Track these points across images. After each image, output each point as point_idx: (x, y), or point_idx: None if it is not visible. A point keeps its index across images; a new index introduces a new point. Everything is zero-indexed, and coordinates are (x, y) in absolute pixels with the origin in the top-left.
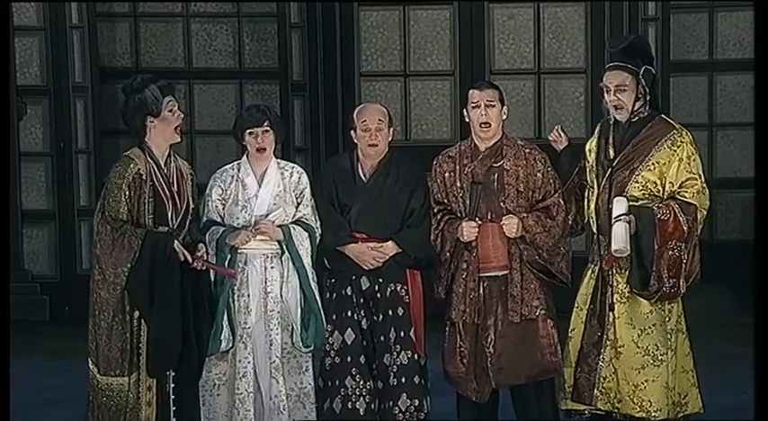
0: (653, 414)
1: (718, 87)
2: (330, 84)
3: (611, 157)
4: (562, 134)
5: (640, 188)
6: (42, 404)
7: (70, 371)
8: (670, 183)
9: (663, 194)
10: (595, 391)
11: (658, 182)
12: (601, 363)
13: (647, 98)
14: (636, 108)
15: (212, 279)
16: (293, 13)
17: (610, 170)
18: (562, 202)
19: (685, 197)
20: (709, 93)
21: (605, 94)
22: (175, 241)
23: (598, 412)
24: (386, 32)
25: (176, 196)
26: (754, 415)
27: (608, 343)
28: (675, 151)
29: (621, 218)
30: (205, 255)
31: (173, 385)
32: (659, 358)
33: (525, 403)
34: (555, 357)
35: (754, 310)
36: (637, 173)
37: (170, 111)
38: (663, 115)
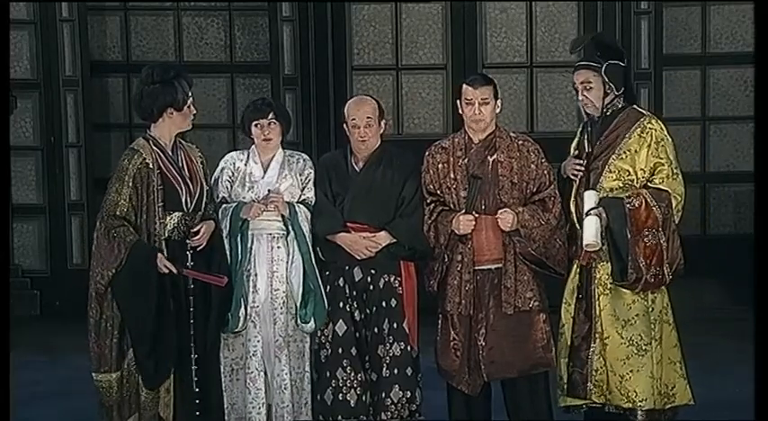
0: (638, 403)
1: (711, 81)
2: (322, 77)
3: (588, 151)
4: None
5: (615, 178)
6: (34, 400)
7: (61, 366)
8: (641, 169)
9: (636, 183)
10: (589, 385)
11: (631, 170)
12: (591, 356)
13: (619, 93)
14: (606, 103)
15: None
16: (285, 6)
17: (585, 162)
18: (557, 194)
19: (656, 183)
20: (701, 86)
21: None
22: (159, 254)
23: (594, 406)
24: (378, 26)
25: (189, 181)
26: (754, 413)
27: (596, 335)
28: (644, 137)
29: (592, 211)
30: (204, 231)
31: (195, 367)
32: (643, 348)
33: (518, 401)
34: (548, 352)
35: (754, 306)
36: (609, 162)
37: (188, 106)
38: (635, 106)
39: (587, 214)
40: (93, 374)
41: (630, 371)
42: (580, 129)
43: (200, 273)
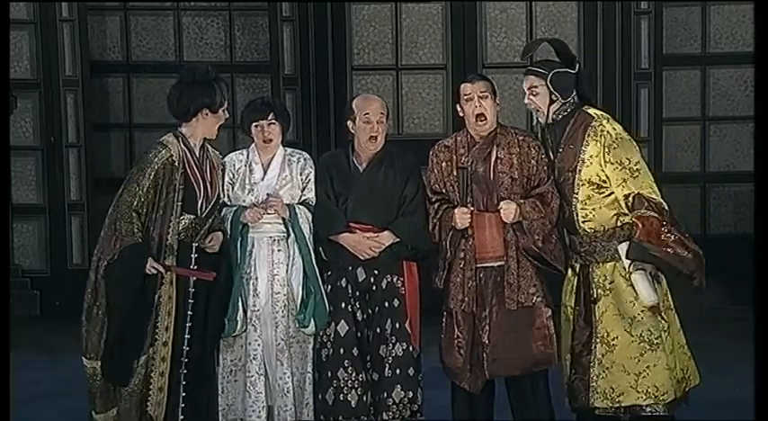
0: (661, 398)
1: (711, 81)
2: (322, 77)
3: (554, 160)
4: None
5: (588, 186)
6: (34, 400)
7: (61, 366)
8: (607, 176)
9: (609, 188)
10: (590, 391)
11: (600, 175)
12: (593, 362)
13: (566, 100)
14: (554, 110)
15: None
16: (285, 6)
17: (556, 172)
18: (555, 189)
19: (623, 193)
20: (701, 86)
21: None
22: (150, 259)
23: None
24: (378, 26)
25: (208, 185)
26: (754, 413)
27: (598, 340)
28: (598, 141)
29: (632, 268)
30: (215, 242)
31: (184, 371)
32: (655, 342)
33: (523, 399)
34: (549, 349)
35: (754, 306)
36: (577, 172)
37: (223, 110)
38: (586, 107)
39: (633, 270)
40: (83, 358)
41: (647, 368)
42: (540, 135)
43: (187, 270)
